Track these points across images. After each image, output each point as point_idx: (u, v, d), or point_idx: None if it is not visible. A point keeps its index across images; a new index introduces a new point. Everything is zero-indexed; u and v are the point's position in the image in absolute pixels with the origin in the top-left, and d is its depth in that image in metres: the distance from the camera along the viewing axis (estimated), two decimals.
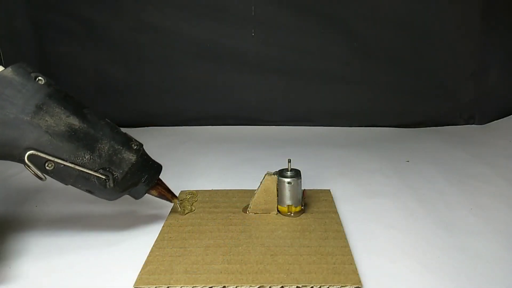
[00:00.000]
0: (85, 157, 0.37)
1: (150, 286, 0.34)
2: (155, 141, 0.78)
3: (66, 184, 0.38)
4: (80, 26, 0.83)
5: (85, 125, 0.38)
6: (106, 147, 0.39)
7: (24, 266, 0.38)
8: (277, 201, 0.46)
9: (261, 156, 0.70)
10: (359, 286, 0.33)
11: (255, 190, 0.46)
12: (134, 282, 0.34)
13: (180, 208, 0.46)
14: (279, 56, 0.84)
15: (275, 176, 0.45)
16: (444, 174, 0.60)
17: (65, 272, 0.37)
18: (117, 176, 0.39)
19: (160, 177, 0.44)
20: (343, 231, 0.42)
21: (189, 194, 0.50)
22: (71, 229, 0.45)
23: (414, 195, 0.53)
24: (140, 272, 0.36)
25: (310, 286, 0.34)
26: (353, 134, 0.84)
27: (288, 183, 0.44)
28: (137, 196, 0.43)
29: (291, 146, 0.77)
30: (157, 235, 0.42)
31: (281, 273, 0.35)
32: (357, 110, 0.88)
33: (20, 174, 0.61)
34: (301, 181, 0.45)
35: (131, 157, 0.40)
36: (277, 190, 0.45)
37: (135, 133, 0.43)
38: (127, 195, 0.42)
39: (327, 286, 0.33)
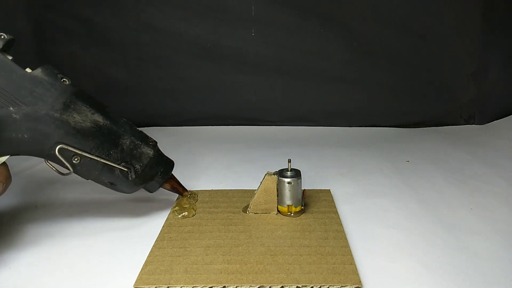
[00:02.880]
0: (109, 151, 0.40)
1: (150, 286, 0.34)
2: None
3: (88, 179, 0.41)
4: (80, 26, 0.83)
5: (108, 122, 0.41)
6: (127, 142, 0.42)
7: (24, 266, 0.38)
8: (277, 201, 0.46)
9: (261, 156, 0.70)
10: (359, 286, 0.33)
11: (255, 190, 0.46)
12: (134, 282, 0.34)
13: (179, 210, 0.47)
14: (279, 56, 0.84)
15: (275, 176, 0.45)
16: (444, 174, 0.60)
17: (65, 272, 0.37)
18: (137, 168, 0.42)
19: None
20: (343, 231, 0.42)
21: (189, 194, 0.50)
22: (71, 229, 0.45)
23: (414, 195, 0.53)
24: (140, 272, 0.36)
25: (310, 286, 0.34)
26: (353, 134, 0.84)
27: (288, 183, 0.44)
28: (152, 189, 0.46)
29: (291, 146, 0.77)
30: (157, 235, 0.42)
31: (281, 273, 0.35)
32: (357, 110, 0.88)
33: (21, 173, 0.61)
34: (301, 181, 0.45)
35: (149, 151, 0.43)
36: (277, 190, 0.45)
37: None
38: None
39: (327, 286, 0.33)
